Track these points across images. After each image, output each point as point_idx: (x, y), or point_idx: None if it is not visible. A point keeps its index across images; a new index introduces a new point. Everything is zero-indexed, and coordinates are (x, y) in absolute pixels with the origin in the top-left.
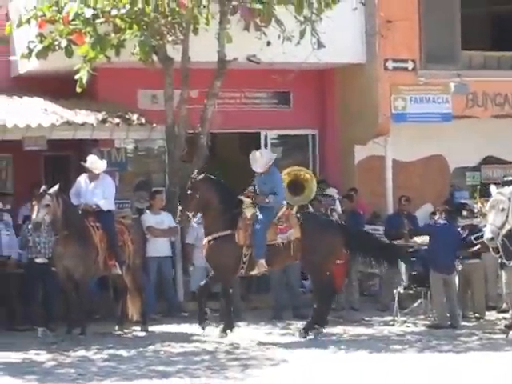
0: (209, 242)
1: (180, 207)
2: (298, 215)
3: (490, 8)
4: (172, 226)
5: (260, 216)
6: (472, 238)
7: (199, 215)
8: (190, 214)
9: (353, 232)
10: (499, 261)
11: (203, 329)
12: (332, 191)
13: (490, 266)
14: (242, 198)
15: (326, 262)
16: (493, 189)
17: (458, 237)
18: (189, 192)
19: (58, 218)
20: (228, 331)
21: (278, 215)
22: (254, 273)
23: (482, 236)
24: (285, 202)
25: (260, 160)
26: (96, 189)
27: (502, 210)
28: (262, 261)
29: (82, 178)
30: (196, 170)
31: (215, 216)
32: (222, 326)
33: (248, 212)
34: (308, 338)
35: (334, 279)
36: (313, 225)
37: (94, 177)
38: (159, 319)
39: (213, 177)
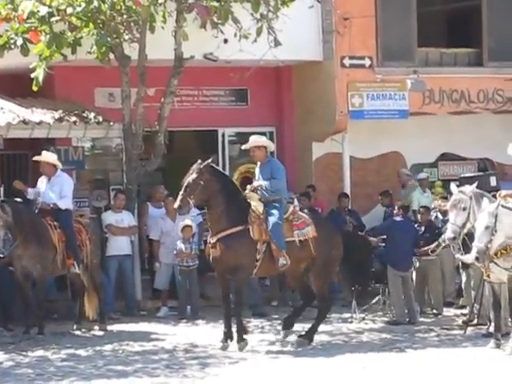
0: (218, 240)
1: (181, 193)
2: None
3: (446, 5)
4: (131, 225)
5: (271, 209)
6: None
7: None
8: (191, 202)
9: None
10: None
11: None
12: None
13: (447, 262)
14: (248, 192)
15: (335, 266)
16: (453, 187)
17: (416, 234)
18: (193, 177)
19: (11, 227)
20: (246, 338)
21: (289, 212)
22: (280, 265)
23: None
24: (297, 203)
25: (256, 139)
26: (53, 186)
27: (464, 209)
28: (284, 252)
29: (41, 180)
30: (199, 160)
31: (222, 210)
32: (236, 337)
33: (259, 207)
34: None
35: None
36: (323, 225)
37: (50, 174)
38: (118, 318)
39: (217, 166)
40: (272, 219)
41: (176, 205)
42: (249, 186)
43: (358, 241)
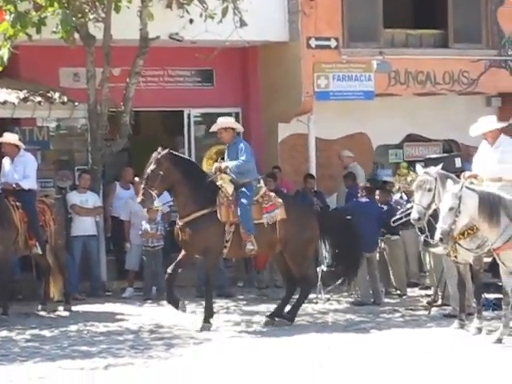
0: (186, 223)
1: (143, 186)
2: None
3: None
4: (96, 206)
5: (241, 193)
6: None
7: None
8: (154, 193)
9: (325, 215)
10: (422, 240)
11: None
12: None
13: (410, 243)
14: (215, 171)
15: (310, 248)
16: (419, 169)
17: (381, 214)
18: (152, 168)
19: None
20: (211, 320)
21: (260, 194)
22: (247, 250)
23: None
24: (263, 184)
25: (222, 121)
26: (16, 167)
27: (429, 190)
28: (252, 237)
29: (5, 160)
30: (160, 147)
31: (188, 195)
32: (203, 317)
33: (228, 188)
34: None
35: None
36: (295, 207)
37: (13, 155)
38: (83, 299)
39: (176, 153)
40: (241, 203)
41: (138, 199)
42: (215, 164)
43: (342, 223)
